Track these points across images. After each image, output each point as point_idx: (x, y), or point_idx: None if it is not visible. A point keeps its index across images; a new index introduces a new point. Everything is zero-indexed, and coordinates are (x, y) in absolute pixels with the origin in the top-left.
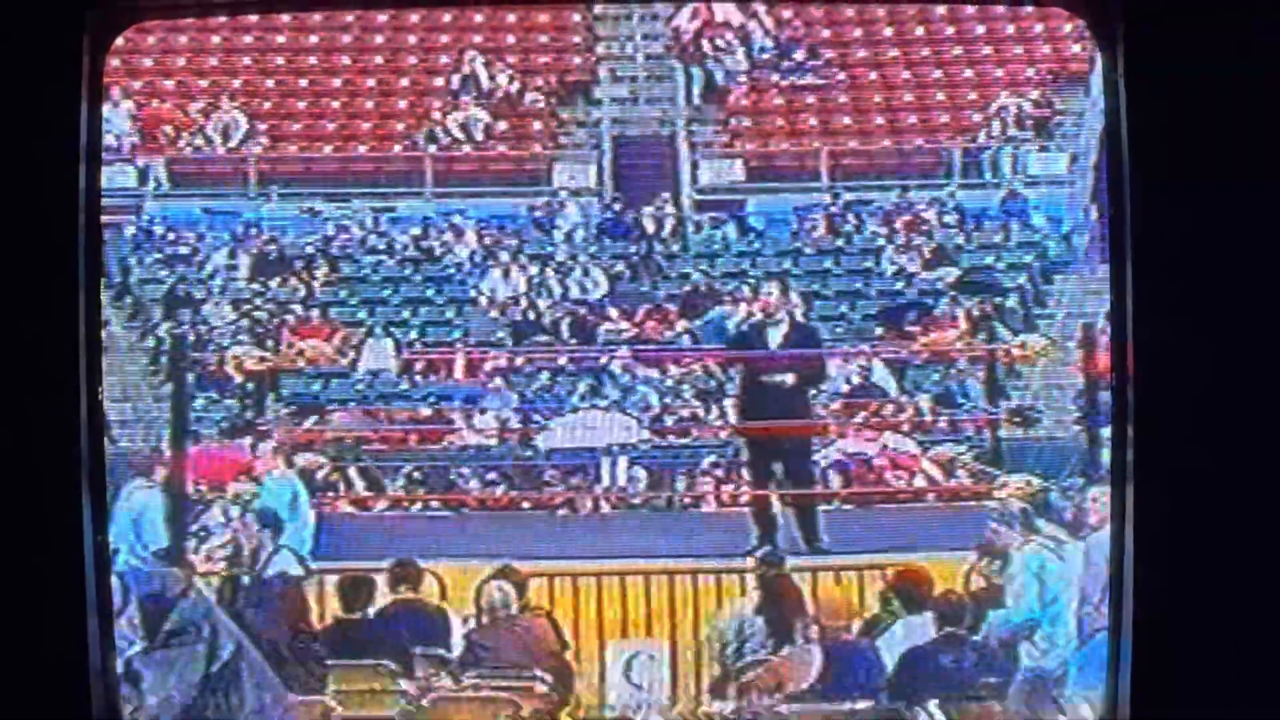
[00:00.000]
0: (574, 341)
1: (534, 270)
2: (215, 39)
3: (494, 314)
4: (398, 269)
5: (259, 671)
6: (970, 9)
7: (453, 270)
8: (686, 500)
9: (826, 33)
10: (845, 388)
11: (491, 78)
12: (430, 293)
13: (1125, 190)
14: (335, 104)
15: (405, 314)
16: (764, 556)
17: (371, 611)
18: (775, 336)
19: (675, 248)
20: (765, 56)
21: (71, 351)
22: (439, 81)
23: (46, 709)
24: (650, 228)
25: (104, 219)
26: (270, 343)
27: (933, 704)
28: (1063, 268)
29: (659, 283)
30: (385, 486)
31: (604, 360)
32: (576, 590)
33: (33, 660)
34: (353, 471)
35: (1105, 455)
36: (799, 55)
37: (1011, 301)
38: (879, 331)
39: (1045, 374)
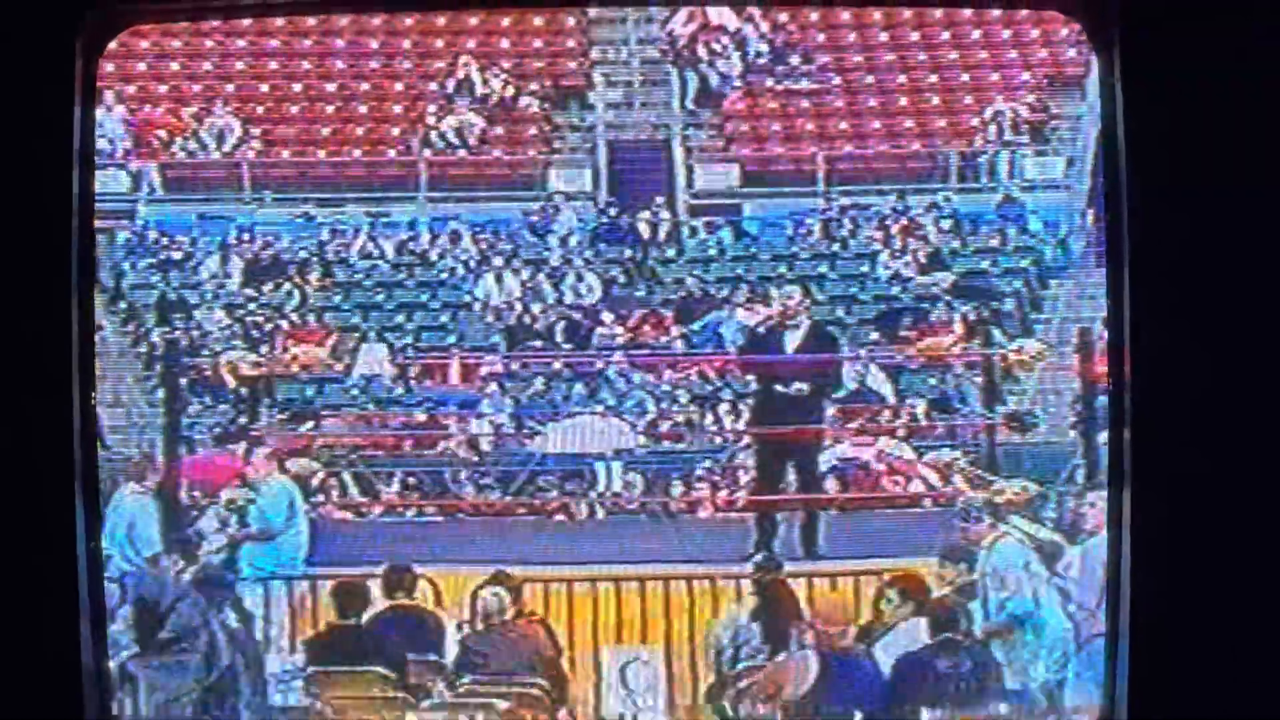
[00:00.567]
0: (569, 346)
1: (528, 275)
2: (209, 43)
3: (488, 319)
4: (392, 274)
5: (253, 677)
6: (966, 13)
7: (447, 275)
8: (682, 505)
9: (822, 37)
10: (841, 393)
11: (486, 82)
12: (424, 298)
13: (1122, 194)
14: (329, 109)
15: (399, 319)
16: (760, 562)
17: (366, 618)
18: (793, 340)
19: (670, 252)
20: (761, 61)
21: (65, 357)
22: (433, 86)
23: (40, 713)
24: (645, 232)
25: (97, 224)
26: (264, 348)
27: (929, 709)
28: (1059, 272)
29: (654, 288)
30: (380, 492)
31: (599, 365)
32: (572, 596)
33: (26, 665)
34: (347, 477)
35: (1102, 460)
36: (794, 60)
37: (1008, 306)
38: (875, 336)
39: (1042, 379)
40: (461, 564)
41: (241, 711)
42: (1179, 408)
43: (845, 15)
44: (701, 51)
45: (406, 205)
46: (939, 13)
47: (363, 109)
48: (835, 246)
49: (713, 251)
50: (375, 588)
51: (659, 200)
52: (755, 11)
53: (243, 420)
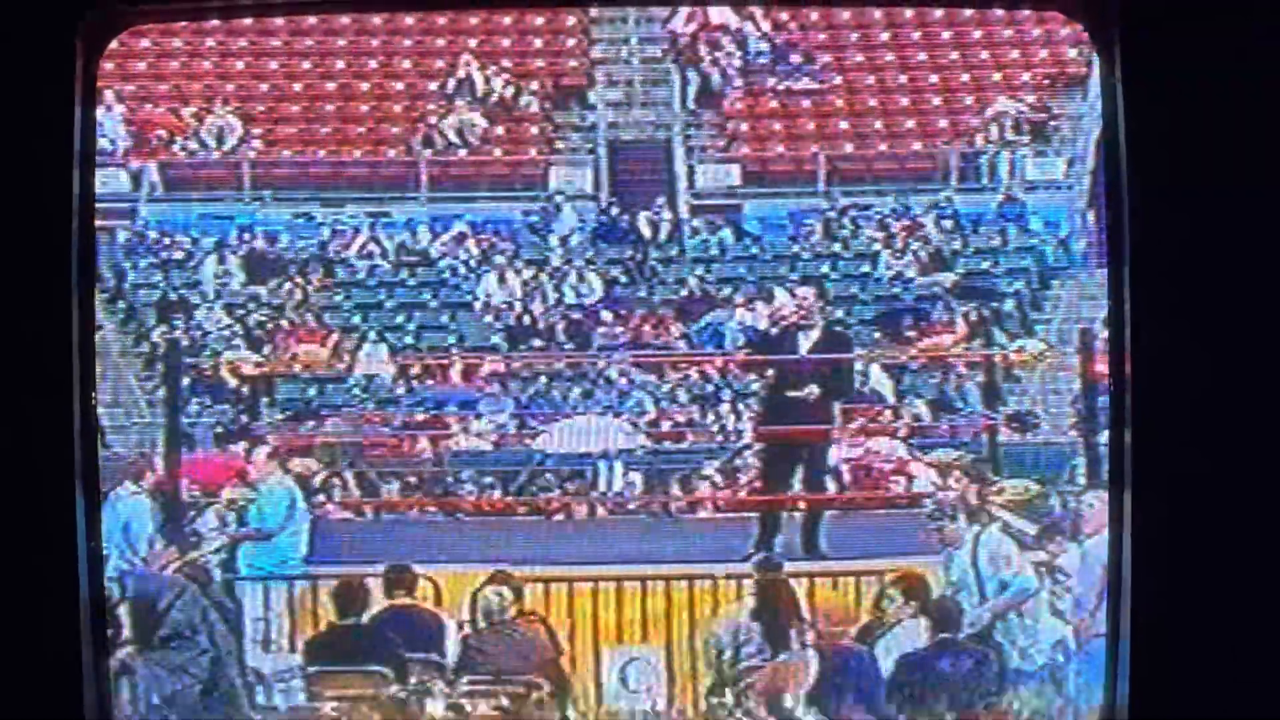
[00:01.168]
0: (570, 346)
1: (529, 275)
2: (209, 42)
3: (489, 319)
4: (393, 274)
5: (253, 677)
6: (967, 12)
7: (448, 275)
8: (683, 505)
9: (823, 36)
10: (842, 392)
11: (487, 81)
12: (425, 297)
13: (1123, 194)
14: (330, 108)
15: (400, 319)
16: (761, 562)
17: (366, 617)
18: (807, 341)
19: (671, 252)
20: (762, 60)
21: (65, 356)
22: (434, 85)
23: (41, 713)
24: (646, 232)
25: (97, 223)
26: (265, 348)
27: (930, 709)
28: (1060, 272)
29: (655, 287)
30: (380, 492)
31: (600, 365)
32: (572, 596)
33: (27, 664)
34: (348, 476)
35: (1103, 460)
36: (795, 59)
37: (1009, 306)
38: (876, 336)
39: (1043, 379)
40: (462, 564)
41: (240, 711)
42: (1180, 408)
43: (846, 15)
44: (703, 51)
45: (407, 205)
46: (940, 12)
47: (363, 108)
48: (836, 246)
49: (714, 251)
50: (375, 587)
51: (660, 200)
52: (756, 11)
53: (243, 420)
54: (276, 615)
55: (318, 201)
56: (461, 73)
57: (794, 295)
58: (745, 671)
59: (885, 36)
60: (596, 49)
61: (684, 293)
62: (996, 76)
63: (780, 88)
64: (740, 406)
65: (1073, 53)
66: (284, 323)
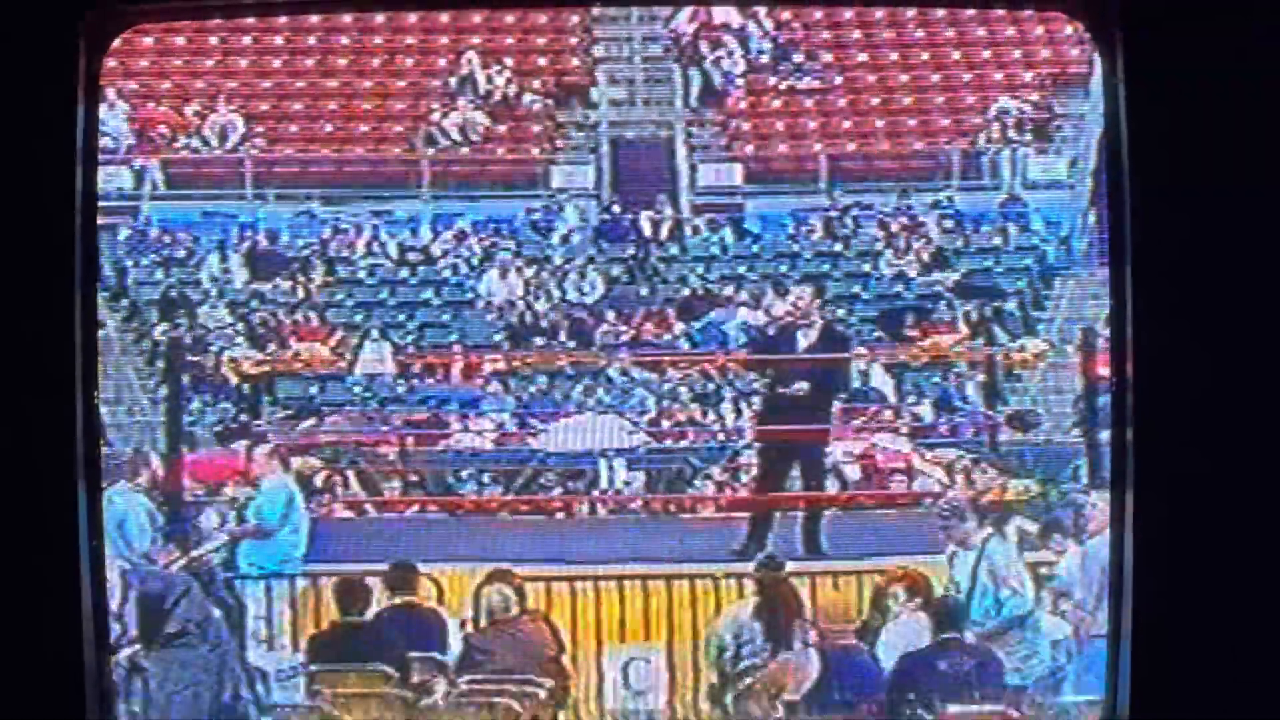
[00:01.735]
0: (571, 344)
1: (531, 273)
2: (212, 40)
3: (491, 317)
4: (394, 272)
5: (255, 675)
6: (969, 12)
7: (449, 273)
8: (685, 504)
9: (826, 35)
10: (843, 391)
11: (489, 80)
12: (427, 295)
13: (1125, 194)
14: (332, 106)
15: (402, 317)
16: (762, 561)
17: (368, 616)
18: (805, 340)
19: (673, 251)
20: (764, 59)
21: (67, 354)
22: (436, 83)
23: (43, 712)
24: (648, 231)
25: (100, 220)
26: (267, 345)
27: (931, 708)
28: (1062, 271)
29: (657, 286)
30: (382, 490)
31: (601, 363)
32: (574, 594)
33: (28, 664)
34: (349, 475)
35: (1105, 459)
36: (798, 58)
37: (1011, 305)
38: (877, 335)
39: (1045, 378)
40: (464, 562)
41: (243, 709)
42: (1182, 407)
43: (848, 14)
44: (705, 49)
45: (409, 203)
46: (942, 12)
47: (365, 106)
48: (838, 245)
49: (715, 250)
50: (377, 586)
51: (662, 198)
52: (759, 10)
53: (244, 418)
54: (278, 614)
55: (320, 199)
56: (464, 71)
57: (794, 294)
58: (746, 670)
59: (888, 35)
60: (599, 48)
61: (685, 291)
62: (998, 76)
63: (782, 87)
64: (742, 405)
65: (1074, 52)
66: (285, 321)
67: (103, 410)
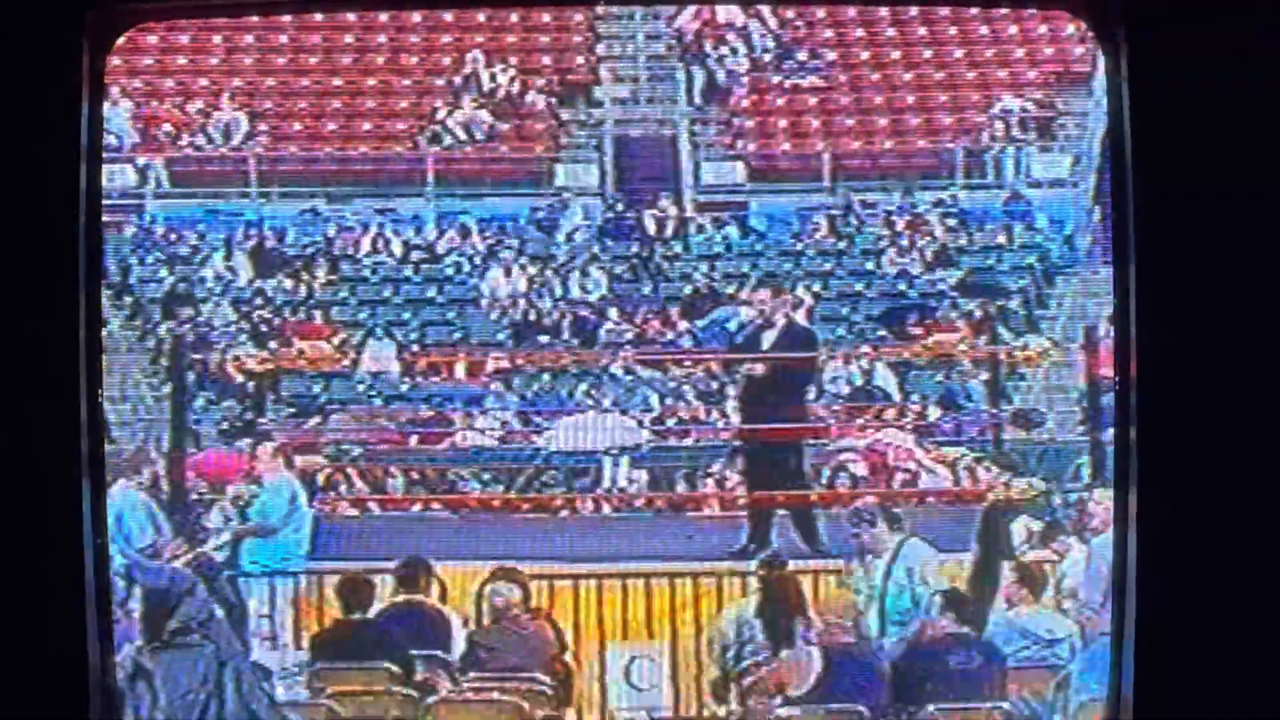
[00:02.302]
0: (575, 342)
1: (535, 271)
2: (216, 39)
3: (495, 315)
4: (399, 270)
5: (258, 672)
6: (973, 11)
7: (453, 271)
8: (688, 502)
9: (829, 34)
10: (847, 389)
11: (493, 78)
12: (431, 293)
13: (1128, 191)
14: (336, 104)
15: (406, 315)
16: (765, 559)
17: (372, 613)
18: (769, 339)
19: (677, 249)
20: (767, 57)
21: (71, 352)
22: (441, 82)
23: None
24: (652, 229)
25: (104, 218)
26: (271, 343)
27: (934, 705)
28: (1065, 270)
29: (660, 284)
30: (386, 488)
31: (605, 361)
32: (577, 592)
33: (31, 662)
34: (353, 473)
35: (1108, 458)
36: (801, 56)
37: (1014, 303)
38: (881, 333)
39: (1048, 376)
40: (467, 560)
41: (246, 707)
42: (1185, 405)
43: (851, 12)
44: (708, 48)
45: (413, 201)
46: (945, 10)
47: (370, 104)
48: (841, 243)
49: (719, 248)
50: (381, 583)
51: (665, 196)
52: (762, 8)
53: (249, 416)
54: (281, 611)
55: (324, 197)
56: (468, 69)
57: (764, 296)
58: (749, 668)
59: (891, 34)
60: (602, 46)
61: (689, 289)
62: (1002, 74)
63: (786, 85)
64: (742, 403)
65: (1077, 51)
66: (290, 318)
67: (107, 408)
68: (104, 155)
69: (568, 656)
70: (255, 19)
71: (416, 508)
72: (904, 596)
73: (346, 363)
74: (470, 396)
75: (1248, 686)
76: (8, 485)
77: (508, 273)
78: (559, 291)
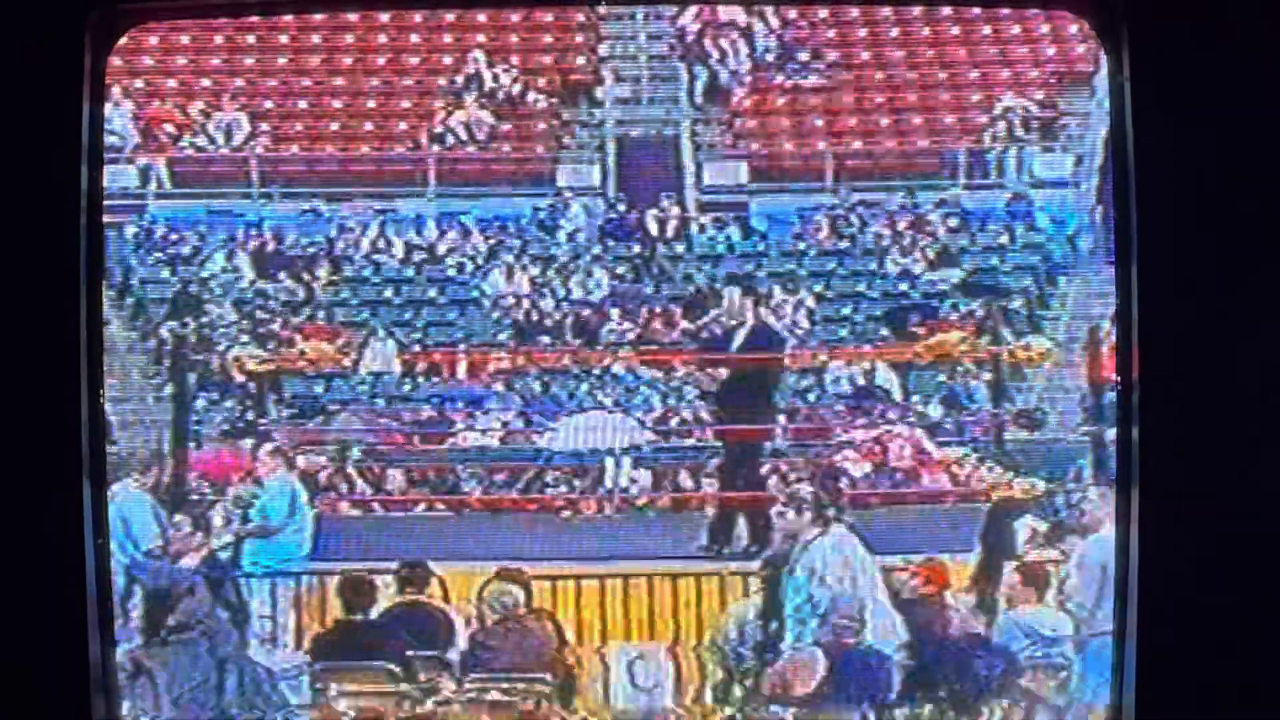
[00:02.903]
0: (577, 343)
1: (537, 271)
2: (218, 38)
3: (497, 315)
4: (400, 270)
5: (259, 673)
6: (975, 10)
7: (455, 271)
8: (690, 502)
9: (831, 33)
10: (848, 390)
11: (495, 78)
12: (433, 293)
13: (1130, 192)
14: (337, 104)
15: (408, 315)
16: (768, 558)
17: (373, 614)
18: (738, 339)
19: (679, 249)
20: (770, 57)
21: (73, 352)
22: (442, 81)
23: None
24: (654, 229)
25: (105, 219)
26: (272, 344)
27: (937, 705)
28: (1068, 270)
29: (662, 284)
30: (387, 488)
31: (607, 361)
32: (579, 592)
33: (33, 662)
34: (354, 473)
35: (1110, 458)
36: (803, 56)
37: (1016, 304)
38: (883, 333)
39: (1050, 377)
40: (469, 560)
41: (247, 708)
42: (1188, 406)
43: (854, 12)
44: (710, 48)
45: (415, 201)
46: (948, 10)
47: (371, 104)
48: (843, 243)
49: (721, 248)
50: (383, 583)
51: (667, 196)
52: (765, 7)
53: (250, 416)
54: (283, 612)
55: (325, 198)
56: (469, 69)
57: (733, 297)
58: (752, 668)
59: (893, 33)
60: (604, 46)
61: (691, 289)
62: (1004, 74)
63: (788, 84)
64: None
65: (1080, 50)
66: (291, 319)
67: (108, 408)
68: (105, 155)
69: (570, 656)
70: (256, 19)
71: (418, 508)
72: (802, 593)
73: (348, 363)
74: (472, 397)
75: (1249, 686)
76: (9, 485)
77: (509, 273)
78: (560, 291)
